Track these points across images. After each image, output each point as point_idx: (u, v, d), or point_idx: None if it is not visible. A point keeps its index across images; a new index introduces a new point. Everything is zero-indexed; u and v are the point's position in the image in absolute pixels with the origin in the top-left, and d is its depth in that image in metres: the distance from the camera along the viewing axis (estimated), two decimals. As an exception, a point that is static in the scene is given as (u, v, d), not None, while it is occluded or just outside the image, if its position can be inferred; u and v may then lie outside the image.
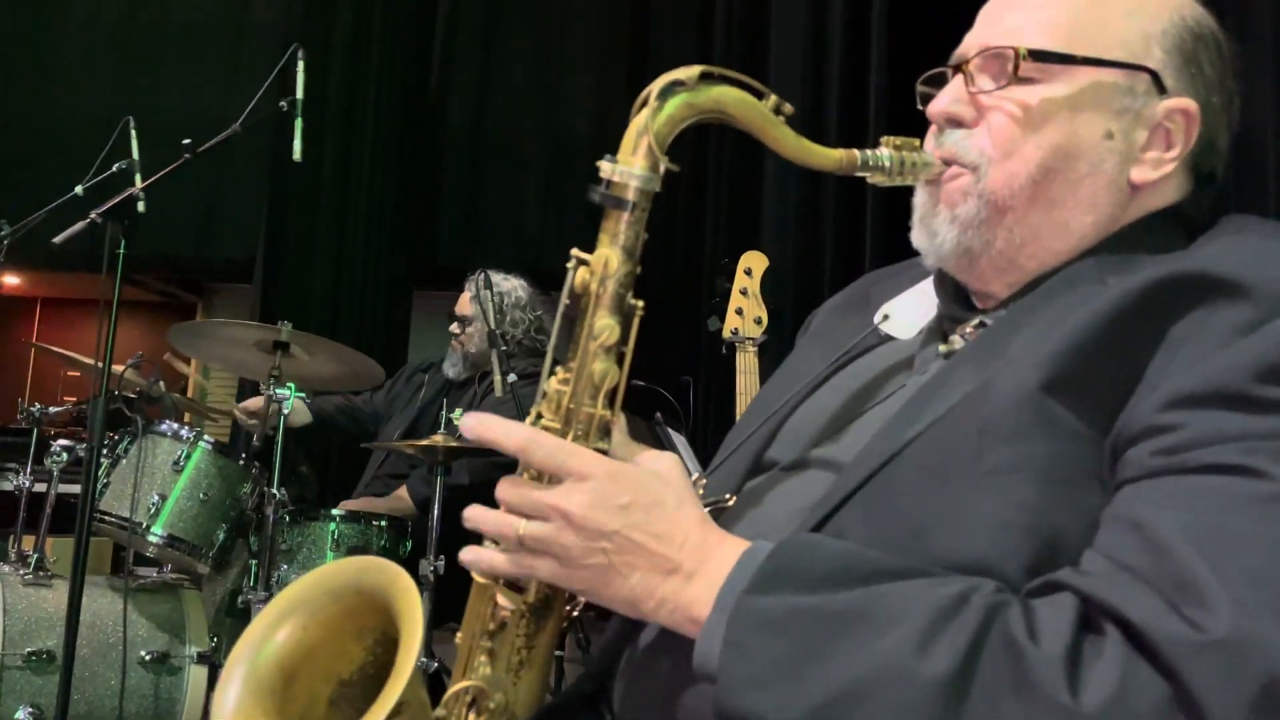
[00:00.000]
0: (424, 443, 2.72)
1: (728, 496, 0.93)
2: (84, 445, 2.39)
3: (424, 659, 2.46)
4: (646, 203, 0.83)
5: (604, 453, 0.82)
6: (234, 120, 2.54)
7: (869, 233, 3.31)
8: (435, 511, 2.68)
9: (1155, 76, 0.89)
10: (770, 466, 0.95)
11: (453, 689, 0.84)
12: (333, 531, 2.74)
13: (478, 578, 0.85)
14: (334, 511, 2.79)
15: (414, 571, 2.28)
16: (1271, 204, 2.62)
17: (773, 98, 0.85)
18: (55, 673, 2.23)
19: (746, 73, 0.84)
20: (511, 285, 3.27)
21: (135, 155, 2.48)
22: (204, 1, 6.19)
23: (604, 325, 0.82)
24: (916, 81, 1.00)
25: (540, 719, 0.87)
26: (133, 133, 2.51)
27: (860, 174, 0.90)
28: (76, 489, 2.29)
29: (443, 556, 2.62)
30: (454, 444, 2.69)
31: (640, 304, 0.84)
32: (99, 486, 2.48)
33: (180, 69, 6.02)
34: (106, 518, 2.52)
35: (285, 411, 2.65)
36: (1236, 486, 0.68)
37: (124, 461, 2.56)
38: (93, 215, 2.33)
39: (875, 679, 0.67)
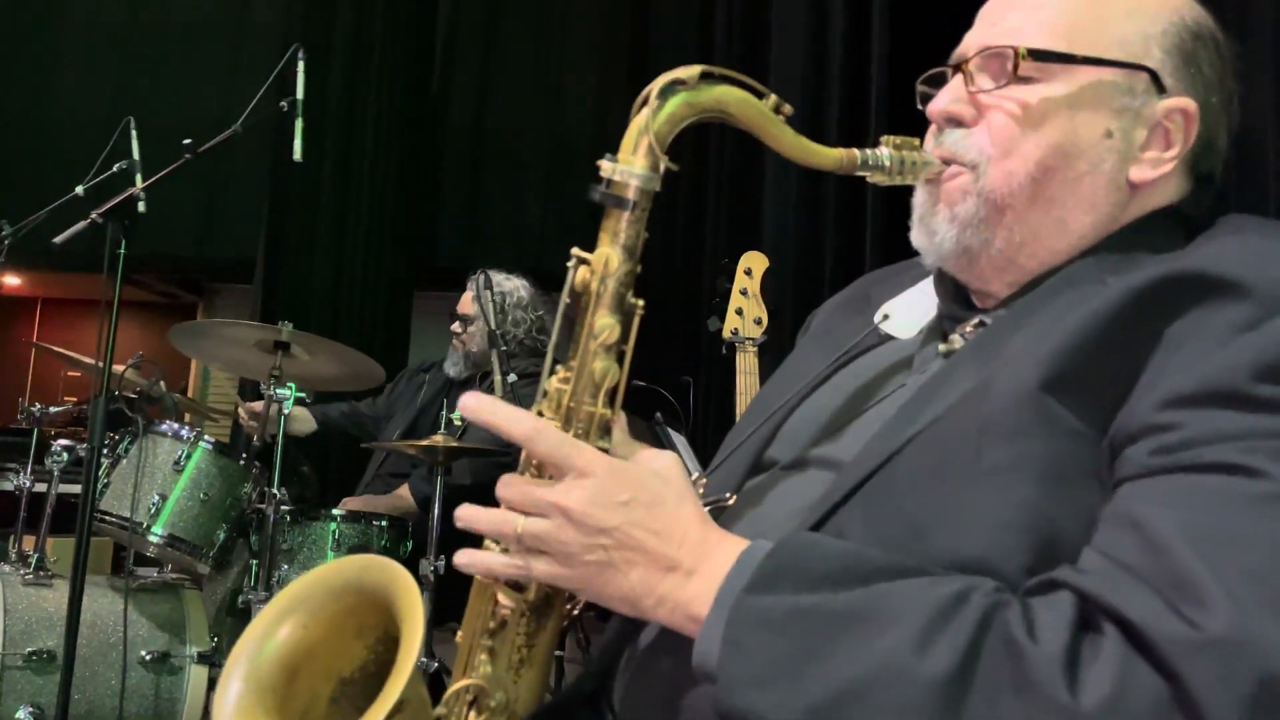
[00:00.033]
0: (424, 443, 2.73)
1: (728, 496, 0.94)
2: (84, 445, 2.38)
3: (424, 659, 2.46)
4: (647, 202, 0.83)
5: (605, 451, 0.82)
6: (234, 120, 2.53)
7: (869, 233, 3.32)
8: (435, 511, 2.68)
9: (1154, 76, 0.89)
10: (770, 466, 0.95)
11: (453, 687, 0.84)
12: (333, 531, 2.75)
13: (479, 577, 0.85)
14: (334, 511, 2.79)
15: (414, 571, 2.28)
16: (1271, 204, 2.62)
17: (773, 97, 0.85)
18: (56, 672, 2.23)
19: (746, 73, 0.84)
20: (513, 285, 3.27)
21: (136, 155, 2.48)
22: (204, 2, 6.21)
23: (604, 324, 0.82)
24: (916, 81, 1.00)
25: (541, 717, 0.87)
26: (133, 133, 2.51)
27: (860, 173, 0.90)
28: (77, 489, 2.29)
29: (443, 556, 2.62)
30: (454, 444, 2.70)
31: (641, 303, 0.84)
32: (99, 486, 2.48)
33: (180, 69, 6.03)
34: (107, 518, 2.52)
35: (286, 411, 2.65)
36: (1235, 486, 0.69)
37: (124, 461, 2.56)
38: (93, 215, 2.33)
39: (875, 678, 0.68)
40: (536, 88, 5.83)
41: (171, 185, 2.48)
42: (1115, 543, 0.70)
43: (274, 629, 0.85)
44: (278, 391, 2.66)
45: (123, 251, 2.31)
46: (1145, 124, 0.89)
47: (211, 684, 2.48)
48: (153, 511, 2.52)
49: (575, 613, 0.89)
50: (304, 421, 3.30)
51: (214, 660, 2.49)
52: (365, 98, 5.27)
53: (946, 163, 0.92)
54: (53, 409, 2.85)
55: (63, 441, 2.61)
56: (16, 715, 2.25)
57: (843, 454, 0.88)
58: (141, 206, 2.36)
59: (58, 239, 2.39)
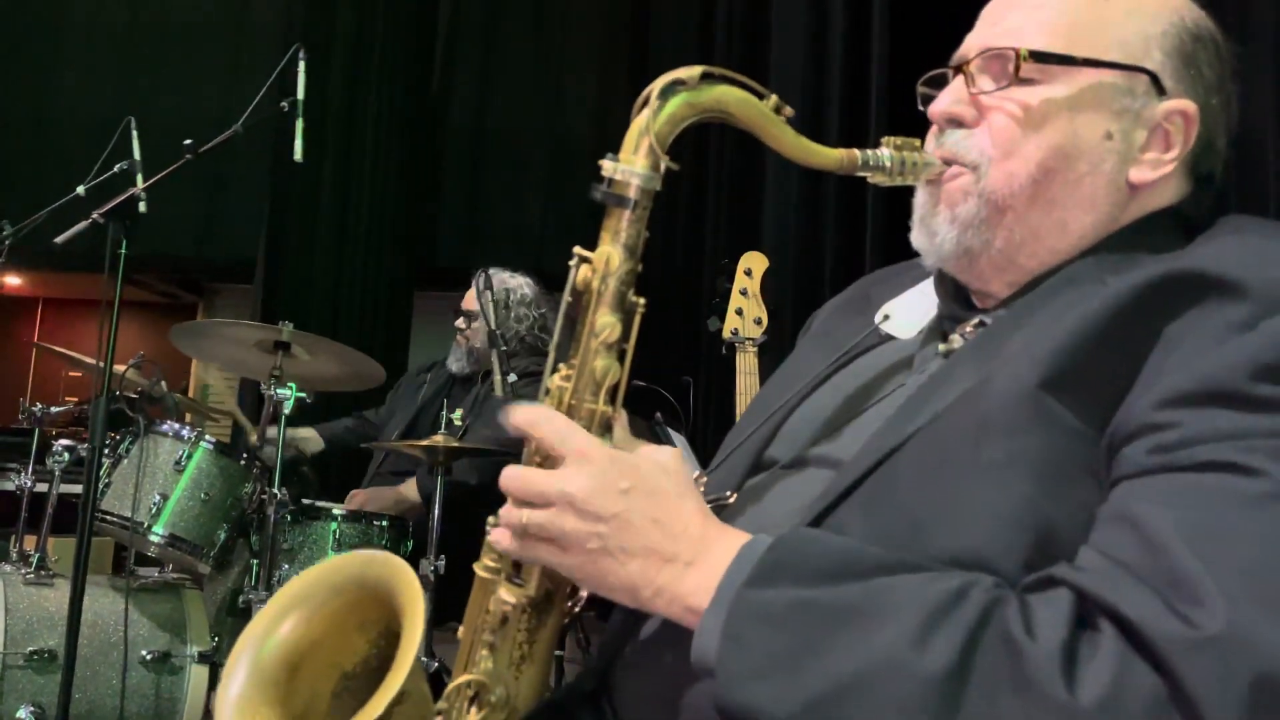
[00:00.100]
0: (424, 442, 2.73)
1: (728, 494, 0.94)
2: (85, 445, 2.39)
3: (424, 658, 2.46)
4: (648, 201, 0.83)
5: None
6: (235, 120, 2.53)
7: (869, 233, 3.32)
8: (436, 512, 2.69)
9: (1154, 78, 0.89)
10: (770, 465, 0.96)
11: (454, 683, 0.84)
12: (333, 531, 2.75)
13: (480, 572, 0.86)
14: (335, 511, 2.79)
15: (414, 571, 2.28)
16: (1271, 204, 2.62)
17: (773, 98, 0.85)
18: (56, 672, 2.23)
19: (746, 73, 0.85)
20: (518, 282, 3.29)
21: (137, 155, 2.48)
22: (204, 2, 6.21)
23: (606, 322, 0.83)
24: (917, 82, 1.01)
25: (541, 714, 0.87)
26: (134, 133, 2.51)
27: (861, 174, 0.91)
28: (78, 489, 2.29)
29: (443, 556, 2.63)
30: (454, 444, 2.70)
31: (642, 301, 0.85)
32: (100, 486, 2.48)
33: (181, 69, 6.04)
34: (108, 517, 2.52)
35: (286, 412, 2.66)
36: (1232, 484, 0.69)
37: (125, 461, 2.56)
38: (94, 215, 2.33)
39: (873, 673, 0.68)
40: (537, 88, 5.84)
41: (172, 185, 2.49)
42: (1113, 541, 0.71)
43: (277, 624, 0.86)
44: (278, 391, 2.66)
45: (123, 251, 2.31)
46: (1145, 125, 0.89)
47: (212, 684, 2.49)
48: (154, 511, 2.52)
49: (576, 610, 0.90)
50: (312, 442, 3.34)
51: (215, 660, 2.50)
52: (365, 98, 5.27)
53: (947, 163, 0.92)
54: (54, 409, 2.85)
55: (64, 441, 2.61)
56: (17, 715, 2.25)
57: (842, 453, 0.88)
58: (142, 206, 2.36)
59: (59, 239, 2.39)
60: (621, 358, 0.85)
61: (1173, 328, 0.75)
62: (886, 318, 1.01)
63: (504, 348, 2.70)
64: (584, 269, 0.83)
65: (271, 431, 2.78)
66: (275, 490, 2.59)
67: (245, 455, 2.70)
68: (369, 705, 0.74)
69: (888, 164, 0.90)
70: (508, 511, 0.80)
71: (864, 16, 3.45)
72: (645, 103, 0.83)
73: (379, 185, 5.25)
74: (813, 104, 3.48)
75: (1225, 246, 0.81)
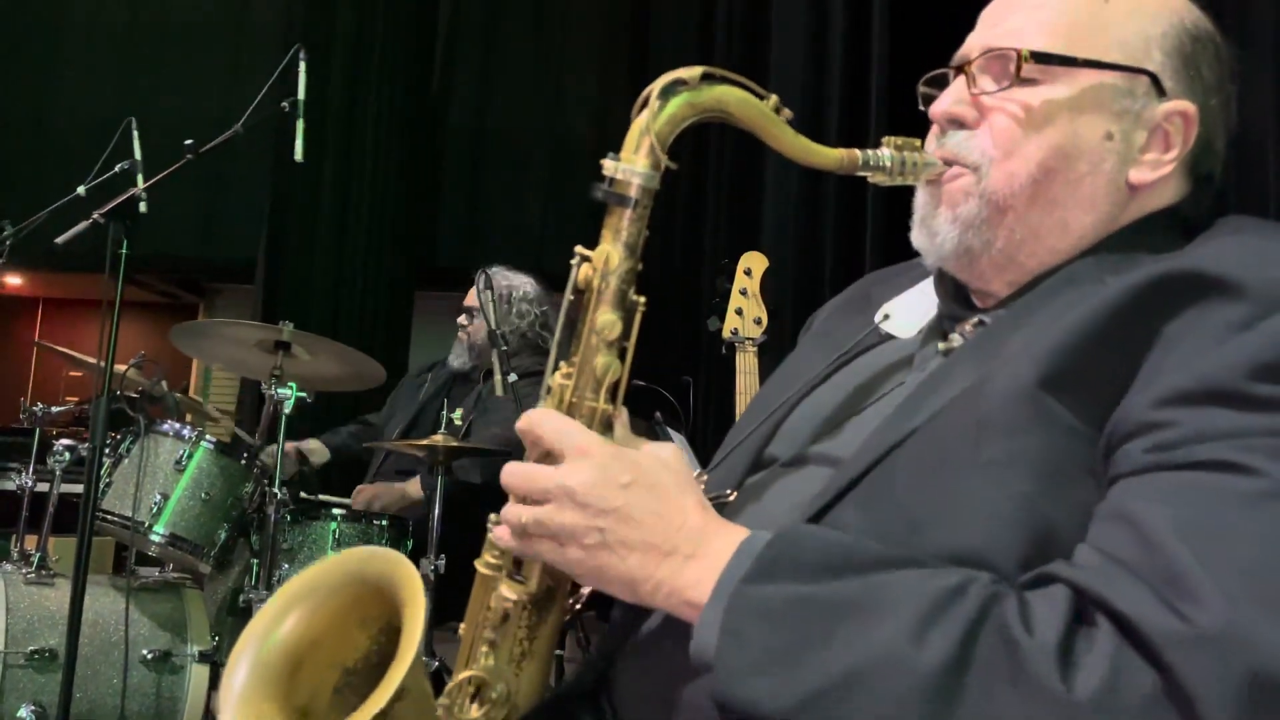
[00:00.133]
0: (424, 442, 2.73)
1: (729, 492, 0.94)
2: (86, 445, 2.39)
3: (424, 657, 2.47)
4: (648, 200, 0.84)
5: None
6: (235, 121, 2.54)
7: (869, 233, 3.33)
8: (436, 511, 2.69)
9: (1155, 79, 0.89)
10: (770, 463, 0.96)
11: (455, 679, 0.85)
12: (333, 531, 2.75)
13: (481, 569, 0.86)
14: (335, 511, 2.80)
15: (415, 570, 2.28)
16: (1271, 204, 2.63)
17: (773, 98, 0.86)
18: (57, 671, 2.23)
19: (746, 73, 0.85)
20: (520, 280, 3.31)
21: (137, 155, 2.48)
22: (205, 2, 6.21)
23: (606, 320, 0.83)
24: (918, 83, 1.01)
25: (542, 711, 0.87)
26: (134, 133, 2.52)
27: (861, 174, 0.91)
28: (79, 488, 2.29)
29: (443, 555, 2.63)
30: (454, 444, 2.70)
31: (642, 299, 0.85)
32: (101, 486, 2.49)
33: (181, 70, 6.04)
34: (109, 517, 2.53)
35: (287, 412, 2.66)
36: (1228, 483, 0.69)
37: (126, 461, 2.57)
38: (95, 216, 2.34)
39: (872, 667, 0.68)
40: (537, 88, 5.84)
41: (173, 185, 2.49)
42: (1110, 538, 0.71)
43: (280, 619, 0.86)
44: (278, 391, 2.66)
45: (124, 252, 2.32)
46: (1145, 126, 0.90)
47: (213, 683, 2.49)
48: (154, 511, 2.53)
49: (577, 607, 0.90)
50: (319, 454, 3.35)
51: (215, 659, 2.50)
52: (366, 98, 5.28)
53: (948, 164, 0.92)
54: (54, 409, 2.85)
55: (65, 441, 2.61)
56: (18, 714, 2.26)
57: (842, 451, 0.89)
58: (143, 207, 2.36)
59: (59, 239, 2.39)
60: (622, 356, 0.85)
61: (1171, 327, 0.76)
62: (886, 317, 1.01)
63: (504, 347, 2.71)
64: (585, 267, 0.84)
65: (289, 447, 2.83)
66: (276, 490, 2.59)
67: (246, 455, 2.70)
68: (370, 701, 0.75)
69: (888, 164, 0.90)
70: (509, 508, 0.81)
71: (864, 16, 3.46)
72: (646, 103, 0.83)
73: (379, 185, 5.25)
74: (813, 104, 3.48)
75: (1224, 246, 0.81)
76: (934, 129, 0.95)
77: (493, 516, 0.83)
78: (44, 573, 2.44)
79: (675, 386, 3.13)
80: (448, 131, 5.79)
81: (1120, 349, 0.76)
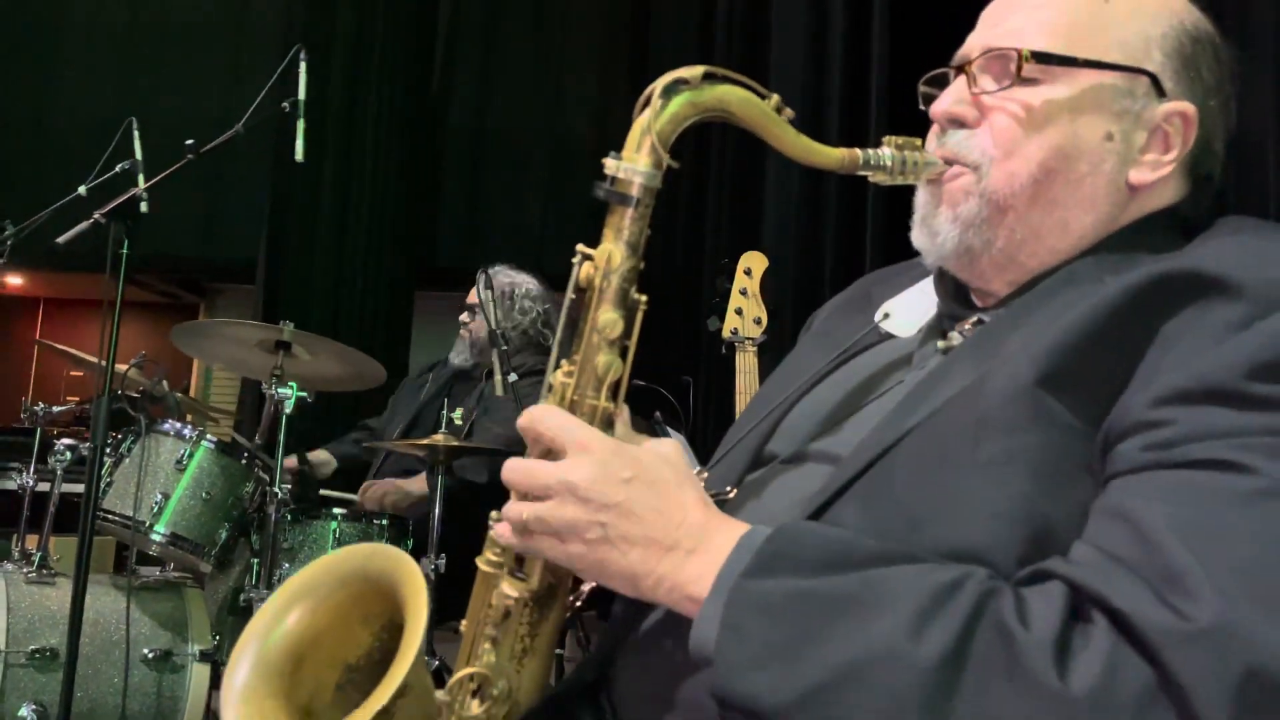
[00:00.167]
0: (424, 442, 2.74)
1: (728, 489, 0.95)
2: (87, 444, 2.39)
3: (425, 656, 2.47)
4: (650, 199, 0.84)
5: None
6: (236, 121, 2.54)
7: (869, 233, 3.33)
8: (436, 510, 2.69)
9: (1155, 79, 0.90)
10: (770, 460, 0.96)
11: (457, 675, 0.85)
12: (334, 530, 2.76)
13: (483, 566, 0.86)
14: (335, 510, 2.81)
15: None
16: (1271, 204, 2.63)
17: (775, 98, 0.86)
18: (58, 670, 2.24)
19: (746, 73, 0.85)
20: (523, 278, 3.33)
21: (138, 155, 2.48)
22: (205, 2, 6.22)
23: (608, 319, 0.84)
24: (918, 82, 1.01)
25: (541, 708, 0.88)
26: (135, 133, 2.52)
27: (862, 173, 0.91)
28: (80, 488, 2.30)
29: (443, 555, 2.63)
30: (455, 444, 2.71)
31: (644, 298, 0.86)
32: (102, 485, 2.49)
33: (182, 70, 6.04)
34: (109, 516, 2.53)
35: (288, 411, 2.66)
36: (1225, 481, 0.69)
37: (127, 460, 2.57)
38: (96, 216, 2.34)
39: (870, 661, 0.69)
40: (537, 88, 5.85)
41: (173, 186, 2.49)
42: (1107, 535, 0.71)
43: (282, 615, 0.86)
44: (279, 391, 2.67)
45: (125, 251, 2.32)
46: (1145, 127, 0.90)
47: (214, 682, 2.49)
48: (155, 510, 2.53)
49: (578, 604, 0.90)
50: (326, 464, 3.36)
51: (216, 659, 2.50)
52: (366, 98, 5.28)
53: (949, 163, 0.93)
54: (55, 409, 2.85)
55: (66, 441, 2.61)
56: (19, 713, 2.26)
57: (841, 448, 0.89)
58: (144, 207, 2.37)
59: (60, 239, 2.39)
60: (623, 354, 0.85)
61: (1169, 326, 0.76)
62: (886, 316, 1.01)
63: (504, 347, 2.71)
64: (586, 266, 0.84)
65: (290, 462, 2.85)
66: (276, 489, 2.60)
67: (246, 455, 2.70)
68: (372, 697, 0.75)
69: (889, 163, 0.90)
70: (510, 505, 0.81)
71: (864, 16, 3.46)
72: (647, 102, 0.84)
73: (379, 185, 5.26)
74: (813, 104, 3.49)
75: (1223, 247, 0.82)
76: (934, 128, 0.96)
77: (494, 514, 0.84)
78: (45, 572, 2.44)
79: (675, 386, 3.13)
80: (448, 131, 5.80)
81: (1119, 348, 0.77)
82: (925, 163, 0.92)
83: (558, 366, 0.86)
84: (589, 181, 0.84)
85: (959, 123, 0.93)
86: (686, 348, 3.86)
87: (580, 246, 0.85)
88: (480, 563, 0.86)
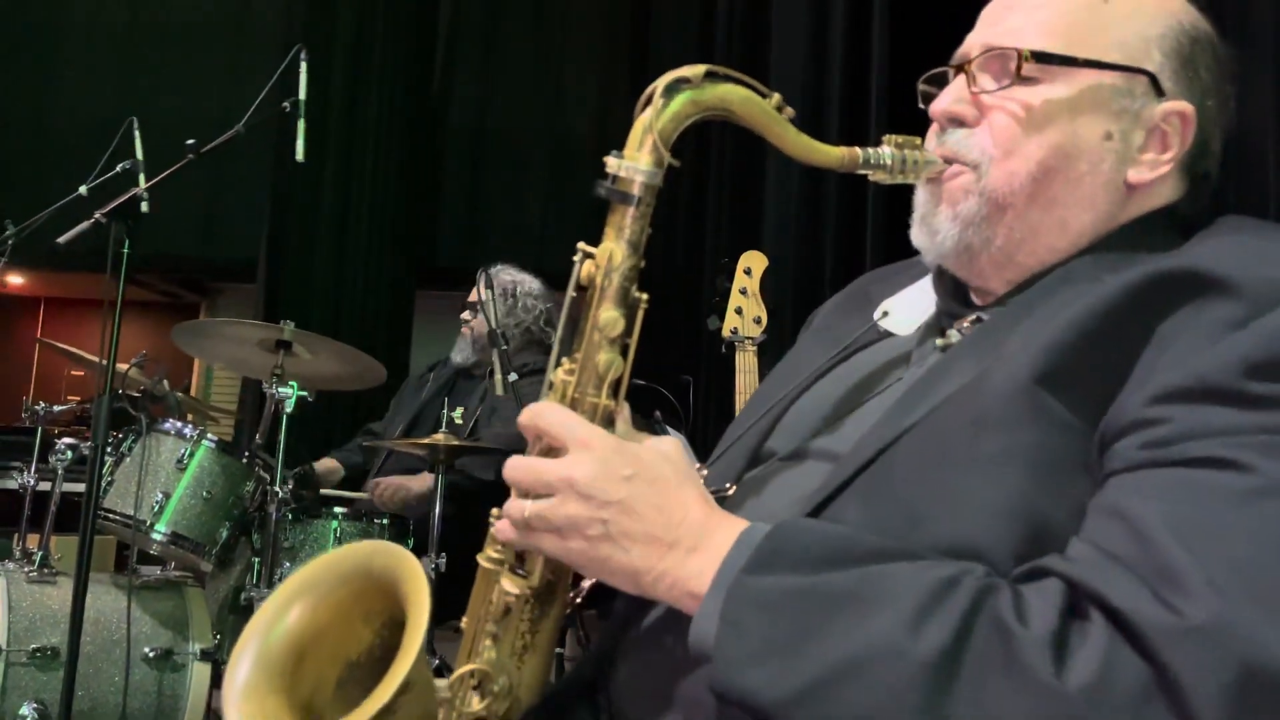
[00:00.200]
0: (425, 441, 2.74)
1: (728, 486, 0.95)
2: (88, 444, 2.40)
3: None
4: (651, 198, 0.84)
5: None
6: (236, 121, 2.54)
7: (869, 232, 3.33)
8: (437, 509, 2.70)
9: (1153, 79, 0.90)
10: (769, 457, 0.97)
11: (458, 672, 0.85)
12: (335, 529, 2.77)
13: (483, 563, 0.87)
14: (336, 509, 2.81)
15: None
16: (1271, 204, 2.63)
17: (776, 97, 0.86)
18: (59, 669, 2.24)
19: (747, 72, 0.86)
20: (525, 277, 3.33)
21: (139, 155, 2.49)
22: (205, 2, 6.22)
23: (609, 317, 0.84)
24: (918, 81, 1.02)
25: (541, 705, 0.88)
26: (136, 133, 2.52)
27: (862, 171, 0.91)
28: (81, 487, 2.30)
29: (443, 554, 2.64)
30: (455, 443, 2.71)
31: (645, 296, 0.86)
32: (103, 485, 2.49)
33: (182, 70, 6.04)
34: (110, 515, 2.53)
35: (288, 411, 2.67)
36: (1221, 479, 0.70)
37: (128, 460, 2.58)
38: (97, 215, 2.34)
39: (868, 657, 0.69)
40: (537, 88, 5.85)
41: (174, 185, 2.49)
42: (1104, 533, 0.72)
43: (284, 612, 0.86)
44: (280, 390, 2.67)
45: (126, 251, 2.32)
46: (1144, 126, 0.90)
47: (215, 681, 2.50)
48: (156, 509, 2.53)
49: (578, 600, 0.90)
50: (334, 472, 3.39)
51: (217, 657, 2.51)
52: (366, 98, 5.29)
53: (948, 162, 0.93)
54: (56, 408, 2.86)
55: (67, 440, 2.62)
56: (21, 712, 2.26)
57: (840, 445, 0.89)
58: (145, 206, 2.37)
59: (61, 239, 2.40)
60: (624, 352, 0.86)
61: (1166, 325, 0.76)
62: (885, 314, 1.02)
63: (504, 346, 2.72)
64: (588, 264, 0.85)
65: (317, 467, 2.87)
66: (276, 488, 2.60)
67: (247, 454, 2.71)
68: (375, 693, 0.75)
69: (889, 162, 0.91)
70: (512, 502, 0.81)
71: (864, 16, 3.46)
72: (649, 100, 0.84)
73: (380, 185, 5.27)
74: (813, 103, 3.49)
75: (1220, 246, 0.82)
76: (934, 127, 0.96)
77: (494, 511, 0.84)
78: (46, 571, 2.44)
79: (675, 385, 3.14)
80: (448, 131, 5.81)
81: (1116, 346, 0.77)
82: (925, 161, 0.92)
83: (559, 364, 0.87)
84: (589, 181, 0.84)
85: (958, 122, 0.93)
86: (687, 347, 3.87)
87: (581, 244, 0.85)
88: (481, 559, 0.86)
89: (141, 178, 2.41)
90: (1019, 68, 0.89)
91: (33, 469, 2.74)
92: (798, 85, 3.52)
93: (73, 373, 7.86)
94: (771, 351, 2.52)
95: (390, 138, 5.31)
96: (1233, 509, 0.69)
